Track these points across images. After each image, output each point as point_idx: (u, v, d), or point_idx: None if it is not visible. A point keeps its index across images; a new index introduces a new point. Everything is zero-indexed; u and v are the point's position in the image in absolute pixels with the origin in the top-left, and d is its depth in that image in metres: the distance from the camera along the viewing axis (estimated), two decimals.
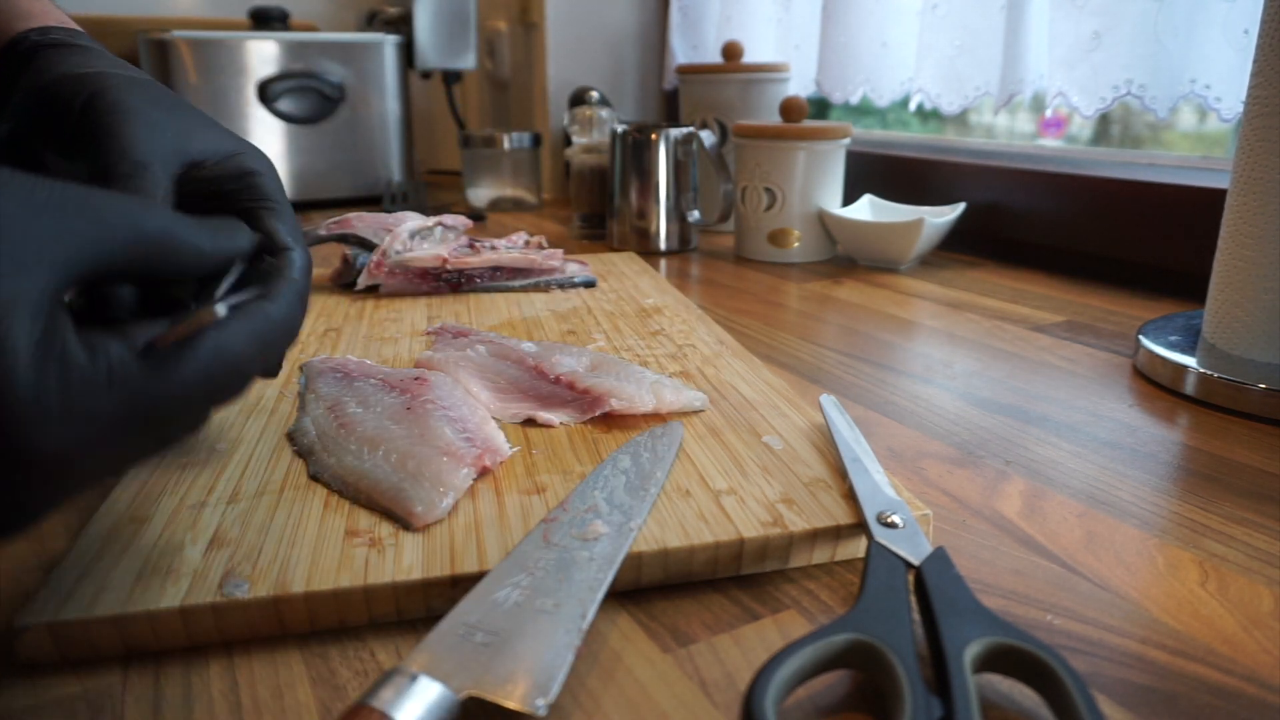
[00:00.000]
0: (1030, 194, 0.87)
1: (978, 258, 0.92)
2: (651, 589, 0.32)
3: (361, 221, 0.80)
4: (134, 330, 0.24)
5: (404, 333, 0.60)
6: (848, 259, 0.92)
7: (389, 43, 1.26)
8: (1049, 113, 1.04)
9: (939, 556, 0.30)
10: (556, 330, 0.61)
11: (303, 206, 1.22)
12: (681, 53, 1.32)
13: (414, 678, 0.24)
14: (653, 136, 0.93)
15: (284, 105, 1.19)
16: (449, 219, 0.83)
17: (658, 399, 0.45)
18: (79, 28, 0.43)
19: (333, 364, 0.49)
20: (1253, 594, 0.33)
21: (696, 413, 0.45)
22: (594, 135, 1.07)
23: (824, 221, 0.90)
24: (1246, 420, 0.49)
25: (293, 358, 0.53)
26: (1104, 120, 0.98)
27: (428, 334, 0.59)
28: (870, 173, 1.02)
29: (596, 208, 1.06)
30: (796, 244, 0.91)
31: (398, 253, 0.72)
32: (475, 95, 1.67)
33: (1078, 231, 0.83)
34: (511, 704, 0.24)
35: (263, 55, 1.17)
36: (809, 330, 0.67)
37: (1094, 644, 0.30)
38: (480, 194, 1.27)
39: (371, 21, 1.42)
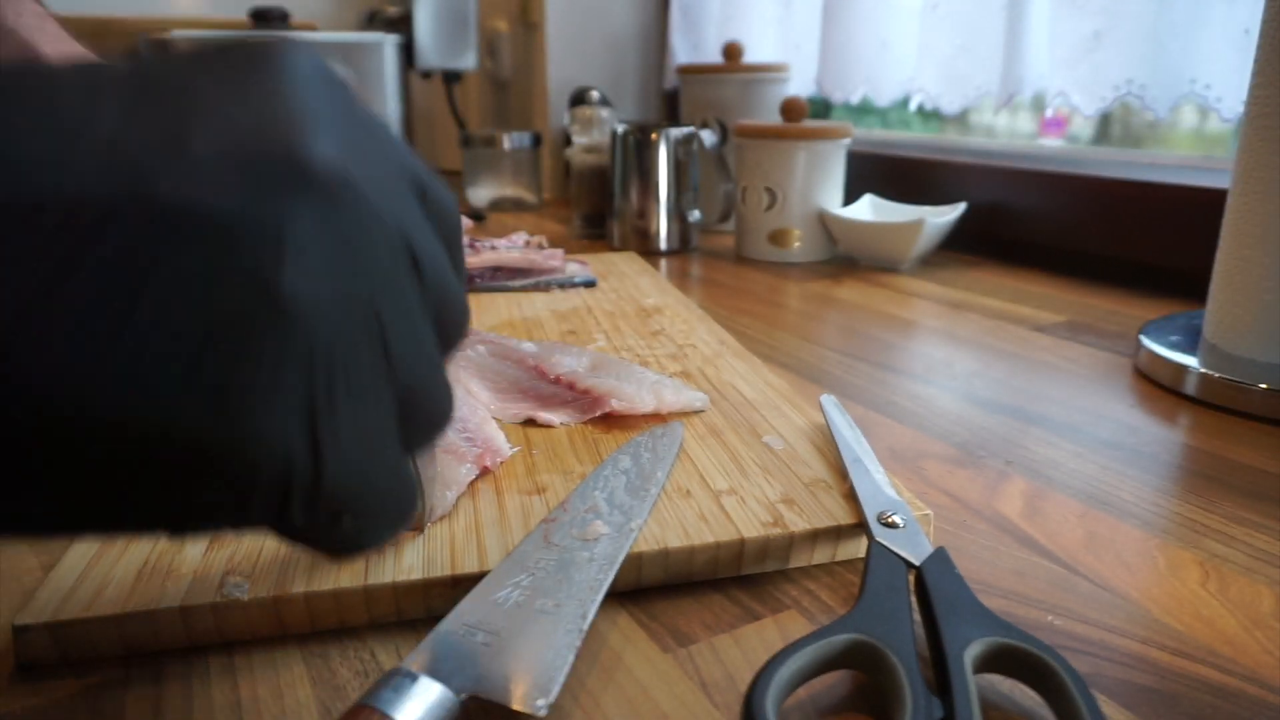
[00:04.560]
0: (1031, 194, 0.87)
1: (978, 258, 0.92)
2: (652, 589, 0.32)
3: None
4: None
5: None
6: (848, 259, 0.92)
7: (389, 42, 1.26)
8: (1049, 112, 1.04)
9: (940, 557, 0.30)
10: (557, 330, 0.61)
11: None
12: (682, 53, 1.32)
13: (414, 678, 0.24)
14: (653, 136, 0.93)
15: None
16: None
17: (658, 399, 0.45)
18: None
19: None
20: (1254, 594, 0.32)
21: (697, 413, 0.45)
22: (594, 135, 1.07)
23: (824, 221, 0.90)
24: (1247, 420, 0.48)
25: None
26: (1105, 120, 0.98)
27: None
28: (870, 173, 1.02)
29: (597, 208, 1.06)
30: (797, 244, 0.91)
31: None
32: (475, 95, 1.67)
33: (1078, 231, 0.83)
34: (512, 704, 0.24)
35: None
36: (809, 330, 0.67)
37: (1095, 644, 0.30)
38: (480, 194, 1.27)
39: (372, 21, 1.42)
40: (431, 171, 0.23)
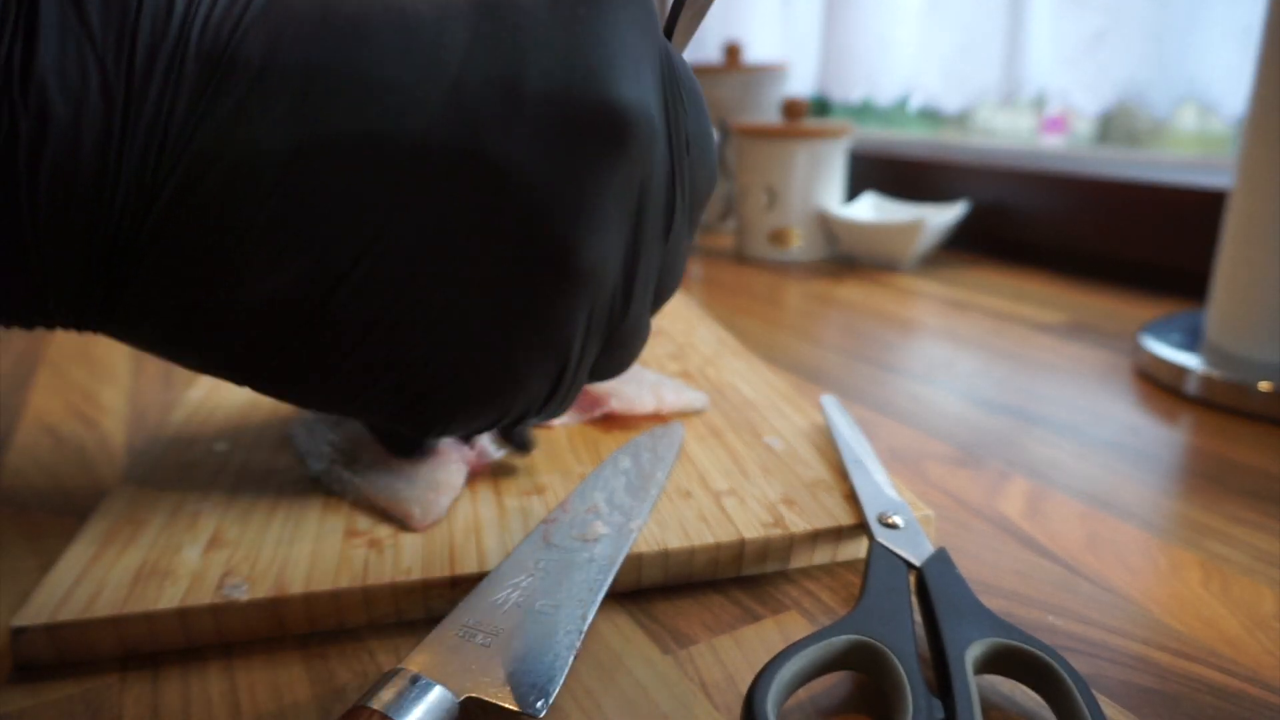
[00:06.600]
0: (1032, 194, 0.86)
1: (979, 257, 0.92)
2: (652, 589, 0.32)
3: None
4: None
5: None
6: (848, 258, 0.92)
7: None
8: (1049, 112, 1.04)
9: (940, 557, 0.30)
10: None
11: None
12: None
13: (413, 679, 0.24)
14: None
15: None
16: None
17: (658, 399, 0.45)
18: None
19: None
20: (1255, 595, 0.32)
21: (697, 413, 0.45)
22: None
23: (825, 221, 0.90)
24: (1249, 420, 0.48)
25: None
26: (1106, 120, 0.98)
27: None
28: (870, 173, 1.02)
29: None
30: (797, 244, 0.90)
31: None
32: None
33: (1079, 231, 0.83)
34: (511, 705, 0.24)
35: None
36: (809, 330, 0.67)
37: (1096, 645, 0.29)
38: None
39: None
40: (699, 119, 0.25)
